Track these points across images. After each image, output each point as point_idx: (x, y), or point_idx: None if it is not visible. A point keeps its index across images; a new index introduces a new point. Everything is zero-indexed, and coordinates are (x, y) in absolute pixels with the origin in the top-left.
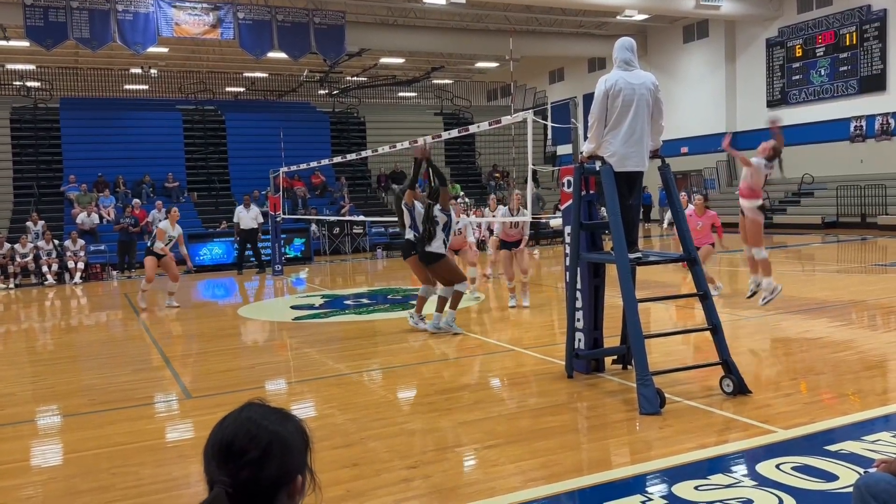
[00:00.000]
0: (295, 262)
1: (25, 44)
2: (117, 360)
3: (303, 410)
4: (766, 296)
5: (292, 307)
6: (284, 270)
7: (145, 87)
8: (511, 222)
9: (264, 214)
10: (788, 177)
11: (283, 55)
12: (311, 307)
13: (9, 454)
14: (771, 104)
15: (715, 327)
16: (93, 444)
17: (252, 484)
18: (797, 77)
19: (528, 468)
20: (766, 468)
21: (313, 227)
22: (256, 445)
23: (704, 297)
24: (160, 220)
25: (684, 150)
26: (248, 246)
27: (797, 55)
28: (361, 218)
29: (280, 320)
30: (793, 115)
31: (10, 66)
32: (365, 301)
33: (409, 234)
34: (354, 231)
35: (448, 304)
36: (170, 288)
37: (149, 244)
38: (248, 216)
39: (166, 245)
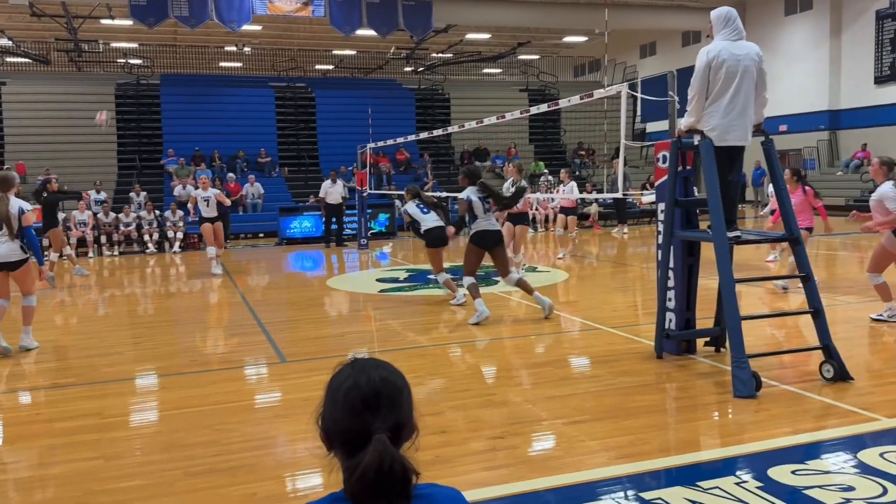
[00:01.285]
0: (379, 237)
1: (128, 22)
2: (215, 324)
3: None
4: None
5: (377, 280)
6: (370, 245)
7: (239, 64)
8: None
9: (350, 190)
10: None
11: (371, 32)
12: (395, 280)
13: (117, 408)
14: (879, 81)
15: (817, 311)
16: (196, 402)
17: (399, 427)
18: None
19: (614, 445)
20: (868, 456)
21: (397, 202)
22: (395, 394)
23: (807, 280)
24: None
25: (783, 128)
26: (334, 220)
27: None
28: (444, 194)
29: (366, 292)
30: None
31: (114, 45)
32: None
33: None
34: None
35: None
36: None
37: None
38: (334, 191)
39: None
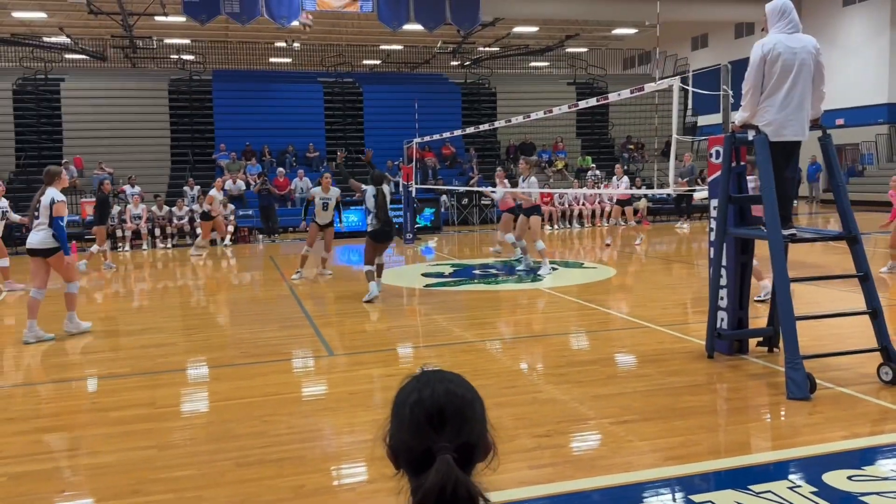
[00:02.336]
0: (425, 232)
1: (182, 19)
2: (265, 317)
3: None
4: None
5: (423, 275)
6: (415, 239)
7: (289, 60)
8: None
9: (396, 184)
10: None
11: (417, 27)
12: (440, 275)
13: (170, 398)
14: None
15: (875, 311)
16: (246, 393)
17: (467, 447)
18: None
19: (663, 446)
20: None
21: (443, 197)
22: (462, 410)
23: (865, 279)
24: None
25: (840, 121)
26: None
27: None
28: (490, 189)
29: (412, 286)
30: None
31: (168, 41)
32: (493, 271)
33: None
34: (483, 202)
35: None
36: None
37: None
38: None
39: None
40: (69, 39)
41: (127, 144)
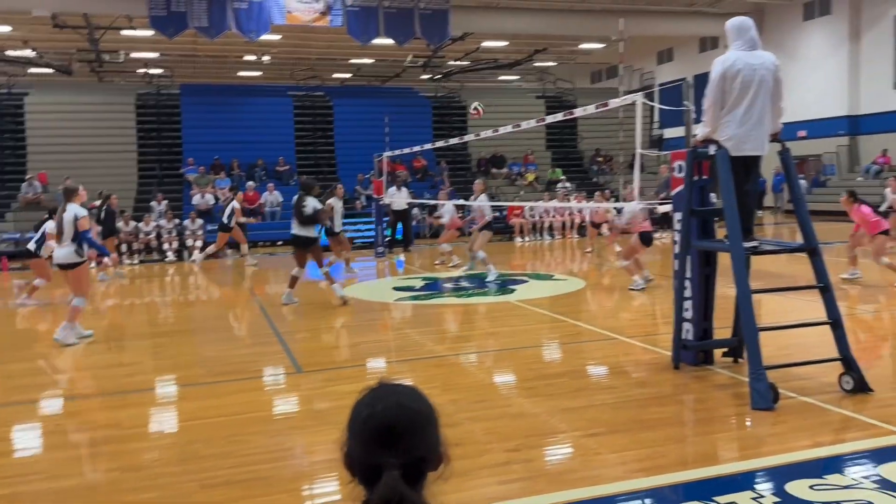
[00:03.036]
0: (396, 245)
1: (149, 33)
2: (234, 334)
3: None
4: None
5: (394, 288)
6: (393, 252)
7: (258, 73)
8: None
9: (368, 198)
10: None
11: (388, 41)
12: (411, 289)
13: (135, 419)
14: None
15: (835, 321)
16: (212, 413)
17: (416, 462)
18: None
19: (631, 459)
20: (889, 470)
21: (414, 210)
22: (414, 425)
23: (825, 290)
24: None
25: (802, 133)
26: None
27: None
28: (461, 202)
29: (382, 301)
30: None
31: (135, 55)
32: (464, 284)
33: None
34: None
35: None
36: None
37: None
38: (400, 197)
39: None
40: (34, 53)
41: (93, 159)
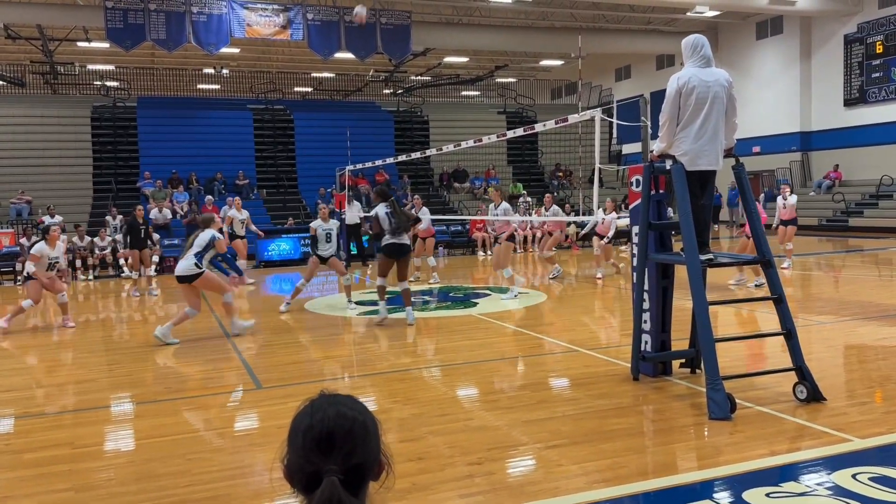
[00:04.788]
0: (357, 259)
1: (105, 45)
2: (191, 350)
3: (368, 404)
4: None
5: (356, 303)
6: (350, 266)
7: (217, 86)
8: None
9: (331, 213)
10: (864, 178)
11: (349, 55)
12: (374, 303)
13: (89, 437)
14: (848, 103)
15: (789, 332)
16: (169, 430)
17: (356, 469)
18: (877, 75)
19: (592, 469)
20: (841, 477)
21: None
22: (353, 433)
23: (779, 301)
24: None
25: (756, 149)
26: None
27: (877, 52)
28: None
29: (344, 315)
30: (872, 115)
31: (90, 67)
32: (427, 298)
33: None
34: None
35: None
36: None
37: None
38: (351, 212)
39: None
40: None
41: (47, 173)
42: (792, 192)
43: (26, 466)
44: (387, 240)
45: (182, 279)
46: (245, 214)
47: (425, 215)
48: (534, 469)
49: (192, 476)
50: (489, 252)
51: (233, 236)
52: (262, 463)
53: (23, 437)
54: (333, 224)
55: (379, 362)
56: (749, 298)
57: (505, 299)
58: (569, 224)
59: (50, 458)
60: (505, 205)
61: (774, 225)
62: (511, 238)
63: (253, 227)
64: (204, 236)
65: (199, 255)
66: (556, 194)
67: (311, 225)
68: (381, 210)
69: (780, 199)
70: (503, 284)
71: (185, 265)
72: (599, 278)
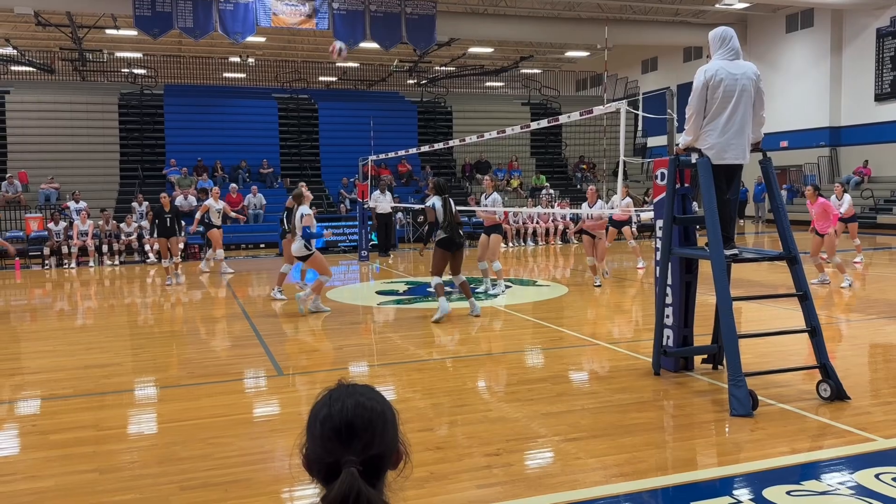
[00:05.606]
0: (376, 249)
1: (133, 32)
2: (214, 336)
3: (387, 393)
4: None
5: (377, 292)
6: (370, 257)
7: (243, 75)
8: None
9: (352, 202)
10: (894, 174)
11: (374, 45)
12: (394, 293)
13: (113, 420)
14: (880, 98)
15: (814, 329)
16: (191, 415)
17: (375, 459)
18: None
19: (611, 463)
20: (864, 477)
21: (399, 214)
22: (372, 423)
23: (804, 298)
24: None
25: (783, 144)
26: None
27: None
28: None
29: (365, 304)
30: None
31: (118, 54)
32: (447, 289)
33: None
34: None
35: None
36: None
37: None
38: (385, 201)
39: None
40: (16, 51)
41: (74, 159)
42: (845, 192)
43: (52, 447)
44: (441, 234)
45: (300, 258)
46: (221, 205)
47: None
48: (552, 462)
49: (213, 460)
50: (511, 243)
51: (209, 226)
52: (282, 449)
53: (49, 418)
54: (222, 203)
55: (398, 352)
56: (773, 295)
57: (493, 293)
58: (637, 218)
59: (75, 439)
60: (495, 195)
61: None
62: (499, 230)
63: (233, 214)
64: (297, 214)
65: (305, 236)
66: (578, 187)
67: (206, 203)
68: (437, 202)
69: (833, 199)
70: (484, 276)
71: (297, 247)
72: (641, 268)
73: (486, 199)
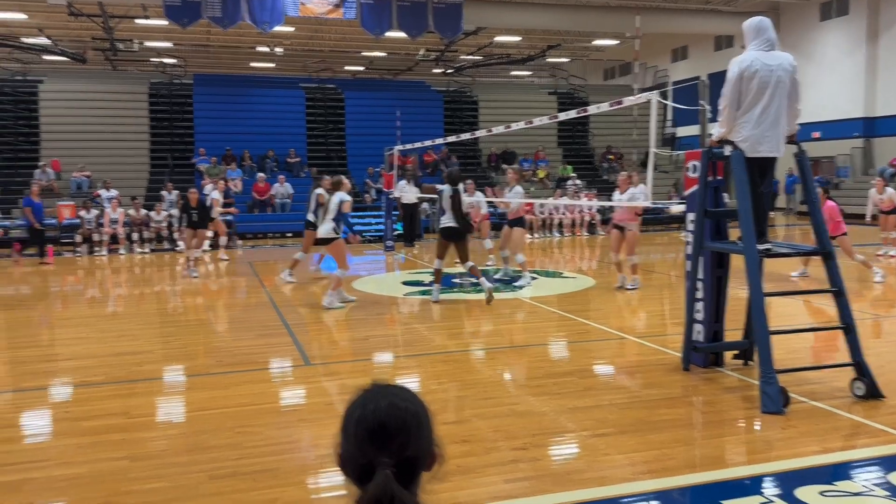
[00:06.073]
0: (401, 239)
1: (163, 22)
2: (243, 324)
3: (412, 385)
4: None
5: (403, 283)
6: (395, 247)
7: (271, 64)
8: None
9: (378, 191)
10: None
11: (401, 34)
12: (420, 283)
13: (144, 408)
14: None
15: (848, 326)
16: (220, 404)
17: (409, 461)
18: None
19: (638, 460)
20: None
21: (424, 204)
22: (406, 425)
23: (838, 294)
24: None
25: (816, 135)
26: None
27: None
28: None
29: (391, 295)
30: None
31: (148, 44)
32: (473, 280)
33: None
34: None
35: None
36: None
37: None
38: (410, 191)
39: None
40: (49, 41)
41: (105, 147)
42: (886, 186)
43: (84, 434)
44: (442, 223)
45: (319, 241)
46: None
47: (480, 199)
48: (579, 457)
49: (242, 449)
50: (536, 234)
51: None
52: (309, 438)
53: (81, 405)
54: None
55: (425, 343)
56: (807, 290)
57: (518, 284)
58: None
59: (106, 426)
60: (518, 188)
61: (869, 215)
62: (522, 223)
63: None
64: (335, 199)
65: (337, 220)
66: (605, 177)
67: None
68: (446, 189)
69: (873, 192)
70: (504, 265)
71: (325, 229)
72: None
73: (509, 191)
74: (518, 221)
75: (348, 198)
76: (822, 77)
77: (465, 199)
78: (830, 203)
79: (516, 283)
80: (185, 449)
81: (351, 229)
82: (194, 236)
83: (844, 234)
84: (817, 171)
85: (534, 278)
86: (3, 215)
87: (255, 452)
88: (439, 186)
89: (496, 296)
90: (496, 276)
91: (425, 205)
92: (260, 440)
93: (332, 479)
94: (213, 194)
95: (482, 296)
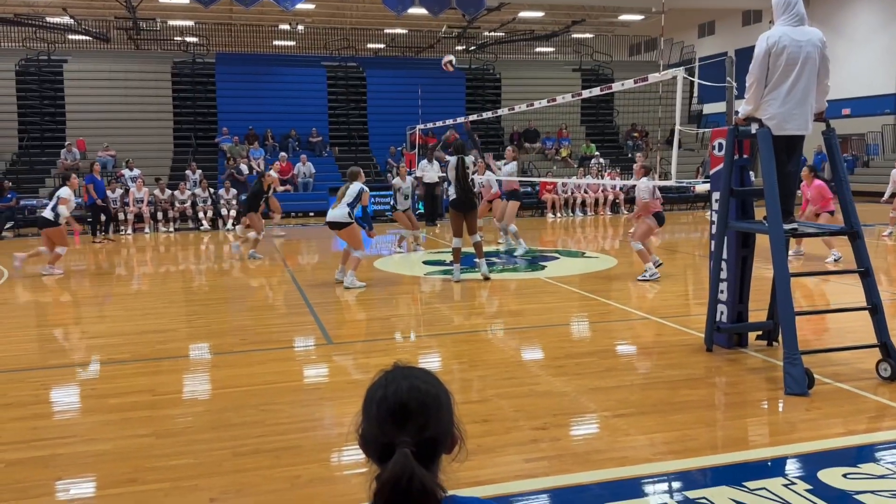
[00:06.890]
0: (421, 219)
1: (185, 1)
2: (266, 303)
3: (434, 364)
4: None
5: (424, 262)
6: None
7: (293, 43)
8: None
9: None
10: None
11: (422, 11)
12: (441, 263)
13: (169, 385)
14: None
15: (875, 307)
16: (243, 382)
17: (429, 442)
18: None
19: (660, 441)
20: None
21: (445, 183)
22: (426, 406)
23: (865, 274)
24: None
25: (846, 111)
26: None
27: None
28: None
29: (412, 274)
30: None
31: (171, 23)
32: (494, 260)
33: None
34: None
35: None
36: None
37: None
38: (432, 170)
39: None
40: (72, 20)
41: (129, 126)
42: None
43: (110, 411)
44: (453, 195)
45: (333, 225)
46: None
47: (490, 178)
48: (599, 437)
49: (265, 427)
50: (559, 214)
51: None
52: (331, 417)
53: (107, 382)
54: (409, 181)
55: (446, 322)
56: (833, 271)
57: (516, 253)
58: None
59: (132, 403)
60: (513, 164)
61: (888, 194)
62: (517, 196)
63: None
64: (353, 188)
65: (351, 206)
66: (629, 155)
67: (394, 181)
68: (452, 160)
69: (894, 172)
70: (504, 236)
71: (339, 213)
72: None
73: (504, 165)
74: (513, 194)
75: (366, 189)
76: (853, 53)
77: (477, 178)
78: (818, 182)
79: (515, 254)
80: (209, 426)
81: (370, 225)
82: (260, 219)
83: (832, 212)
84: (846, 148)
85: (555, 258)
86: (31, 195)
87: (277, 430)
88: (447, 157)
89: (517, 276)
90: (517, 255)
91: (446, 184)
92: (283, 418)
93: (354, 457)
94: (272, 173)
95: (503, 276)
